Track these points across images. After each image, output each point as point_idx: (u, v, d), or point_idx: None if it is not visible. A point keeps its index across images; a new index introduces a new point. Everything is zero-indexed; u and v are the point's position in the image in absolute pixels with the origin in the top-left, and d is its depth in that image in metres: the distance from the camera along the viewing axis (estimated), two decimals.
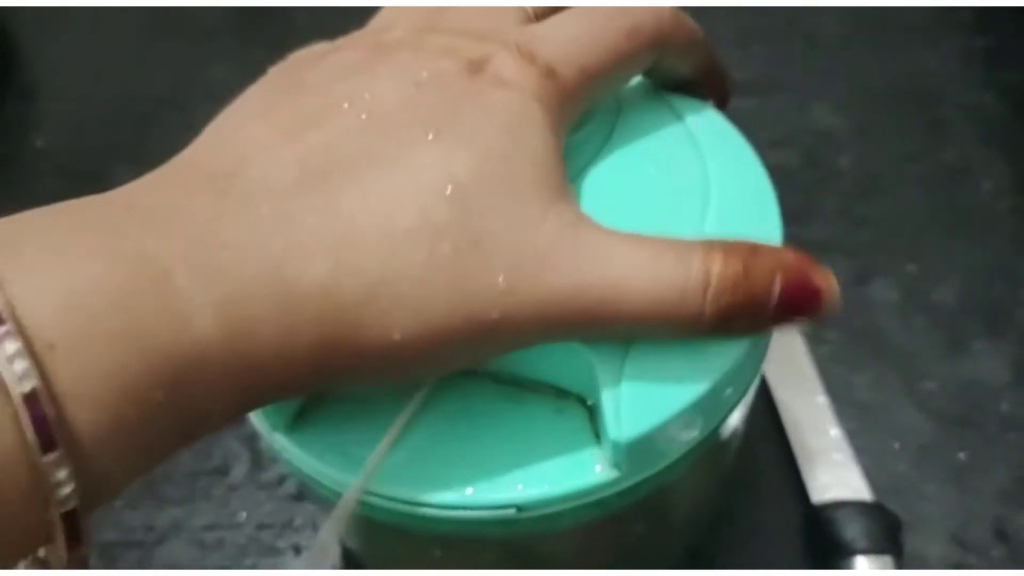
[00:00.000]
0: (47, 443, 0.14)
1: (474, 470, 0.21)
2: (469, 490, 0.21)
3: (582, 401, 0.22)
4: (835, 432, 0.33)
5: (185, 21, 0.54)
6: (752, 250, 0.20)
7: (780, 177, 0.42)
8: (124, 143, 0.48)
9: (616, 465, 0.21)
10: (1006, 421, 0.34)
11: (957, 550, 0.31)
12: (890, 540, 0.30)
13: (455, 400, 0.22)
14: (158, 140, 0.48)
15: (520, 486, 0.21)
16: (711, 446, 0.23)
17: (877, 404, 0.35)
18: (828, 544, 0.31)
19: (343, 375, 0.19)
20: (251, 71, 0.54)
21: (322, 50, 0.22)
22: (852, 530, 0.30)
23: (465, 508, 0.21)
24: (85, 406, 0.15)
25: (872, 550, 0.30)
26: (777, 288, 0.20)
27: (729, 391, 0.22)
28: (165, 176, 0.18)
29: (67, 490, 0.14)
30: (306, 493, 0.34)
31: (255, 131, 0.19)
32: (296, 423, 0.23)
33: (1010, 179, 0.40)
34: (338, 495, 0.22)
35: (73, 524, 0.15)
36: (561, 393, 0.22)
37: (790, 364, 0.35)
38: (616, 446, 0.20)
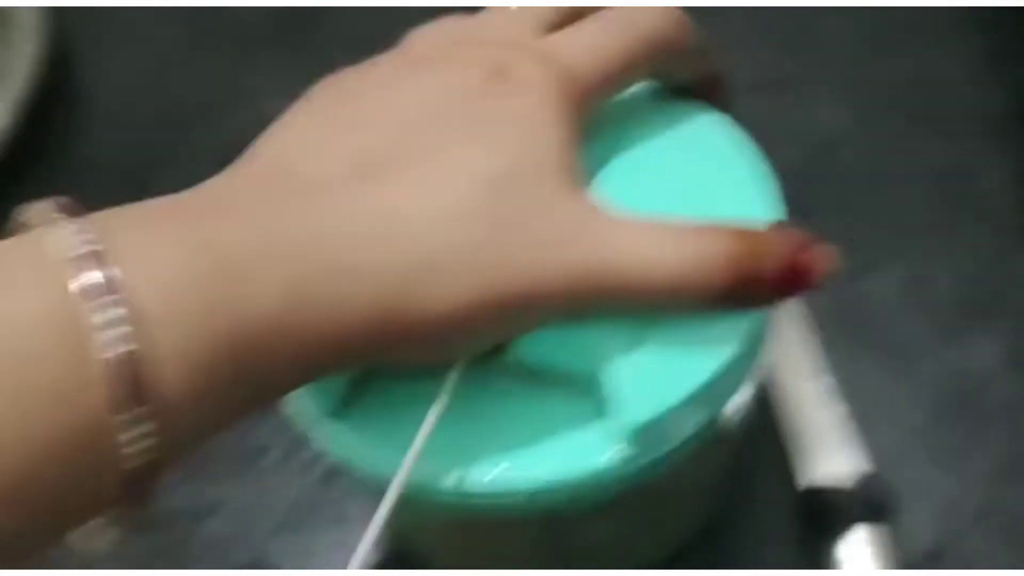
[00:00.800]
0: (136, 400, 0.16)
1: (493, 456, 0.23)
2: (488, 475, 0.23)
3: (596, 388, 0.24)
4: (835, 413, 0.35)
5: (224, 31, 0.57)
6: (756, 232, 0.23)
7: (786, 173, 0.44)
8: (167, 147, 0.51)
9: (625, 450, 0.23)
10: (996, 406, 0.36)
11: (945, 528, 0.33)
12: (882, 517, 0.32)
13: (476, 389, 0.24)
14: (198, 146, 0.51)
15: (536, 470, 0.23)
16: (719, 428, 0.25)
17: (871, 390, 0.37)
18: (823, 521, 0.33)
19: (393, 346, 0.21)
20: (286, 79, 0.57)
21: (361, 68, 0.25)
22: (847, 502, 0.32)
23: (482, 494, 0.23)
24: (168, 371, 0.17)
25: (865, 519, 0.32)
26: (782, 264, 0.22)
27: (735, 375, 0.24)
28: (229, 177, 0.21)
29: (148, 443, 0.17)
30: (346, 479, 0.36)
31: (307, 136, 0.22)
32: (337, 414, 0.25)
33: (1011, 175, 0.42)
34: (372, 478, 0.24)
35: (150, 479, 0.17)
36: (574, 383, 0.24)
37: (790, 352, 0.37)
38: (626, 429, 0.23)
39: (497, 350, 0.24)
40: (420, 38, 0.26)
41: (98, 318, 0.16)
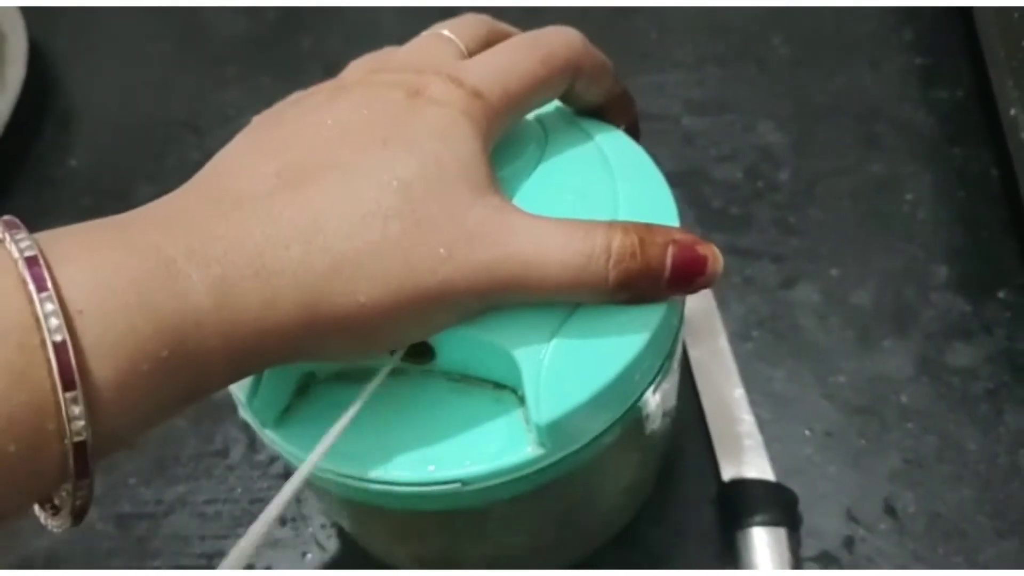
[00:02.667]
0: (68, 383, 0.18)
1: (425, 451, 0.26)
2: (427, 467, 0.26)
3: (515, 392, 0.27)
4: (748, 419, 0.38)
5: (203, 51, 0.60)
6: (647, 227, 0.25)
7: (723, 189, 0.47)
8: (147, 163, 0.54)
9: (541, 444, 0.25)
10: (904, 411, 0.38)
11: (850, 524, 0.36)
12: (785, 514, 0.35)
13: (411, 393, 0.26)
14: (176, 160, 0.54)
15: (465, 463, 0.26)
16: (630, 425, 0.28)
17: (791, 395, 0.39)
18: (734, 515, 0.35)
19: (319, 341, 0.23)
20: (259, 96, 0.61)
21: (297, 97, 0.28)
22: (753, 504, 0.35)
23: (418, 484, 0.26)
24: (104, 358, 0.19)
25: (768, 522, 0.34)
26: (669, 258, 0.25)
27: (637, 377, 0.26)
28: (172, 196, 0.24)
29: (81, 423, 0.19)
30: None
31: (239, 158, 0.25)
32: (281, 419, 0.27)
33: (930, 190, 0.44)
34: (319, 478, 0.27)
35: (83, 456, 0.19)
36: (499, 386, 0.27)
37: (714, 359, 0.40)
38: (539, 428, 0.25)
39: (425, 357, 0.26)
40: (353, 67, 0.29)
41: (38, 311, 0.18)
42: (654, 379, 0.27)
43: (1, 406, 0.18)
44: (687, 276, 0.25)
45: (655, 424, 0.31)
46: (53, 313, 0.18)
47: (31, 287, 0.18)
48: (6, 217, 0.20)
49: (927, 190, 0.44)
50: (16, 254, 0.19)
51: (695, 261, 0.25)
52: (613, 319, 0.26)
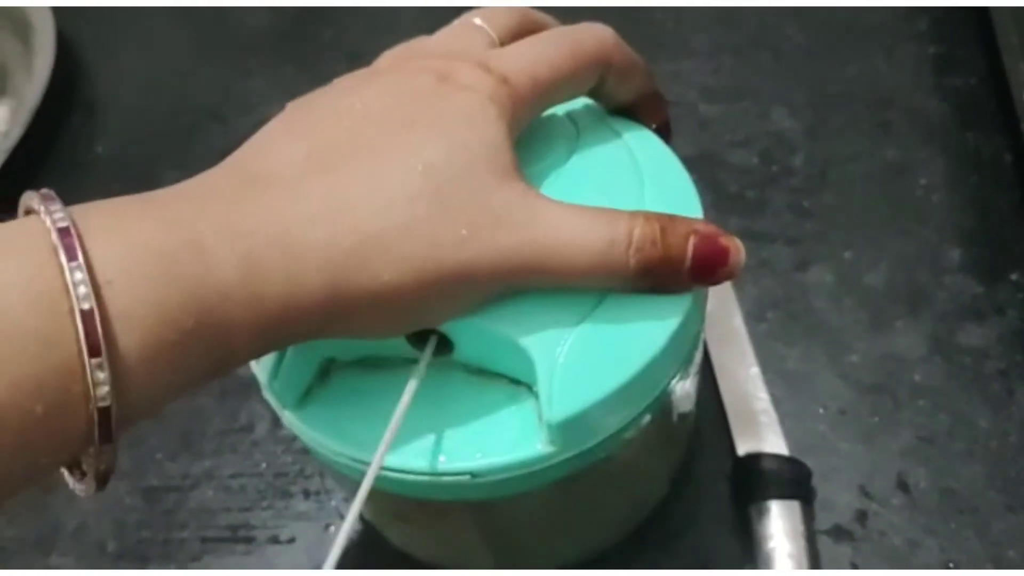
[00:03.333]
0: (94, 350, 0.19)
1: (439, 442, 0.26)
2: (440, 458, 0.26)
3: (530, 388, 0.27)
4: (763, 397, 0.39)
5: (229, 41, 0.61)
6: (669, 217, 0.26)
7: (738, 174, 0.48)
8: (172, 150, 0.55)
9: (552, 441, 0.26)
10: (917, 389, 0.39)
11: (863, 498, 0.36)
12: (798, 488, 0.35)
13: (428, 384, 0.26)
14: (201, 146, 0.55)
15: (476, 456, 0.26)
16: (645, 425, 0.28)
17: (805, 374, 0.40)
18: (748, 489, 0.36)
19: (346, 316, 0.23)
20: (282, 85, 0.62)
21: (328, 86, 0.28)
22: (767, 478, 0.36)
23: (429, 473, 0.26)
24: (131, 327, 0.20)
25: (782, 496, 0.35)
26: (691, 248, 0.25)
27: (655, 378, 0.26)
28: (204, 175, 0.24)
29: (105, 388, 0.19)
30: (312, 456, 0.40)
31: (273, 140, 0.25)
32: (302, 401, 0.28)
33: (943, 175, 0.45)
34: (334, 462, 0.27)
35: (107, 422, 0.20)
36: (515, 382, 0.27)
37: (729, 339, 0.40)
38: (550, 426, 0.25)
39: (443, 349, 0.27)
40: (385, 56, 0.30)
41: (67, 280, 0.19)
42: (672, 379, 0.28)
43: (30, 369, 0.19)
44: (709, 266, 0.25)
45: (671, 425, 0.31)
46: (82, 282, 0.19)
47: (62, 256, 0.19)
48: (43, 190, 0.21)
49: (940, 175, 0.45)
50: (49, 224, 0.20)
51: (717, 252, 0.25)
52: (633, 319, 0.26)
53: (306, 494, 0.40)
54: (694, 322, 0.27)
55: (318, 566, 0.38)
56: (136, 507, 0.41)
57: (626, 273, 0.25)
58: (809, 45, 0.51)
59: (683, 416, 0.32)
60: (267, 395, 0.29)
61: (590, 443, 0.26)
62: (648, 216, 0.25)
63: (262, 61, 0.59)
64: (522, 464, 0.26)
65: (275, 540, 0.39)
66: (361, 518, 0.38)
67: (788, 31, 0.52)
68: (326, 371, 0.29)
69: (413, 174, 0.24)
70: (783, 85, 0.50)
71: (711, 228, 0.26)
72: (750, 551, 0.35)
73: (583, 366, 0.25)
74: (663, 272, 0.25)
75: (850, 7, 0.52)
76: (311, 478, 0.41)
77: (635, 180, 0.29)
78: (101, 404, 0.20)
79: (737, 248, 0.26)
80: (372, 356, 0.28)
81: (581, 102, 0.31)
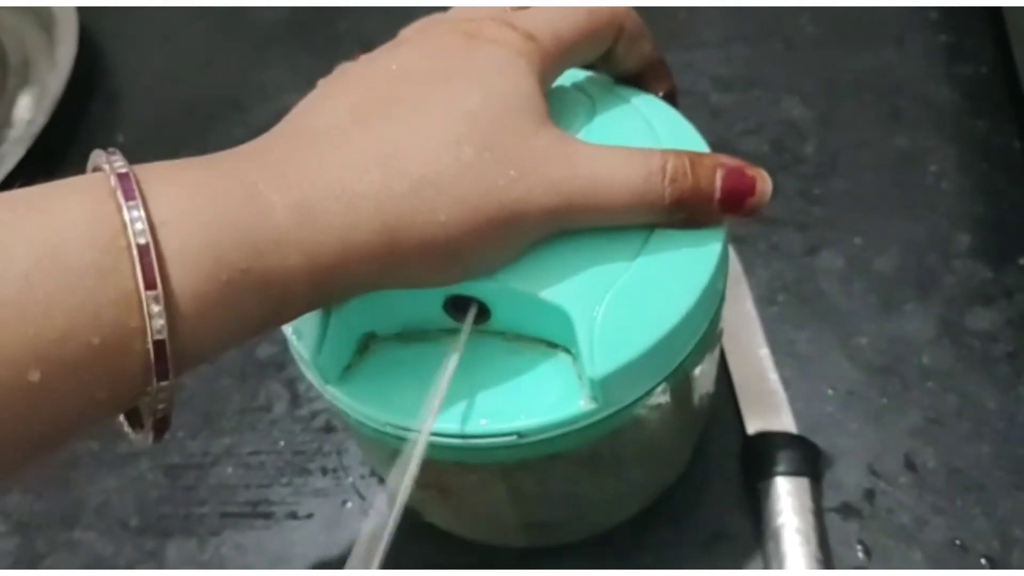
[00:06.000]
0: (149, 283, 0.20)
1: (480, 406, 0.27)
2: (480, 421, 0.27)
3: (567, 350, 0.28)
4: (773, 378, 0.39)
5: (246, 31, 0.62)
6: (697, 153, 0.27)
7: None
8: (191, 138, 0.56)
9: (594, 398, 0.27)
10: (925, 371, 0.39)
11: (871, 477, 0.37)
12: (807, 465, 0.36)
13: (466, 352, 0.27)
14: (220, 135, 0.56)
15: (520, 417, 0.27)
16: (678, 385, 0.29)
17: (814, 356, 0.40)
18: (758, 466, 0.36)
19: (403, 262, 0.24)
20: (300, 74, 0.63)
21: (360, 58, 0.29)
22: (776, 454, 0.36)
23: (478, 436, 0.27)
24: (185, 265, 0.21)
25: (790, 472, 0.36)
26: (719, 179, 0.27)
27: (686, 336, 0.28)
28: (254, 140, 0.25)
29: (161, 322, 0.20)
30: (351, 438, 0.40)
31: (315, 102, 0.26)
32: (344, 376, 0.29)
33: (953, 162, 0.45)
34: (381, 434, 0.28)
35: (163, 356, 0.21)
36: (551, 345, 0.28)
37: (741, 321, 0.41)
38: (592, 382, 0.26)
39: (481, 317, 0.27)
40: (408, 28, 0.31)
41: (125, 217, 0.20)
42: (701, 340, 0.29)
43: (87, 300, 0.20)
44: (737, 196, 0.27)
45: (700, 386, 0.32)
46: (138, 219, 0.20)
47: (120, 197, 0.20)
48: (110, 148, 0.22)
49: (951, 162, 0.45)
50: (109, 170, 0.21)
51: (743, 181, 0.27)
52: (663, 282, 0.27)
53: (323, 471, 0.41)
54: (719, 280, 0.29)
55: (335, 541, 0.39)
56: (158, 483, 0.42)
57: (662, 204, 0.26)
58: (821, 34, 0.52)
59: (708, 376, 0.33)
60: (308, 372, 0.29)
61: (629, 399, 0.27)
62: (678, 152, 0.27)
63: (280, 51, 0.60)
64: (566, 422, 0.27)
65: (293, 516, 0.40)
66: (382, 483, 0.39)
67: (800, 20, 0.53)
68: (366, 346, 0.29)
69: (456, 121, 0.25)
70: (794, 74, 0.50)
71: (737, 160, 0.28)
72: (759, 528, 0.35)
73: (620, 325, 0.26)
74: (695, 202, 0.27)
75: None
76: (329, 456, 0.41)
77: (654, 144, 0.30)
78: (157, 337, 0.20)
79: (763, 178, 0.28)
80: (410, 328, 0.29)
81: (590, 75, 0.32)
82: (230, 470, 0.42)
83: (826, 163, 0.46)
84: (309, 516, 0.40)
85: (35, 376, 0.19)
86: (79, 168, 0.23)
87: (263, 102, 0.57)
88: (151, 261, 0.20)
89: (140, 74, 0.61)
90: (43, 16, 0.61)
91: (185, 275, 0.21)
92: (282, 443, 0.42)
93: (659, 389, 0.28)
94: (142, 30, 0.64)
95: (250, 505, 0.40)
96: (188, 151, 0.54)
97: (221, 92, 0.58)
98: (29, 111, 0.58)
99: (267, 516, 0.40)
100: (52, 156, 0.55)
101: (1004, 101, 0.47)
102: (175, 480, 0.42)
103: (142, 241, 0.20)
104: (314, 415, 0.43)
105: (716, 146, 0.47)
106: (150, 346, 0.20)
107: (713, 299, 0.29)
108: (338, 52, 0.60)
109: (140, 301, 0.20)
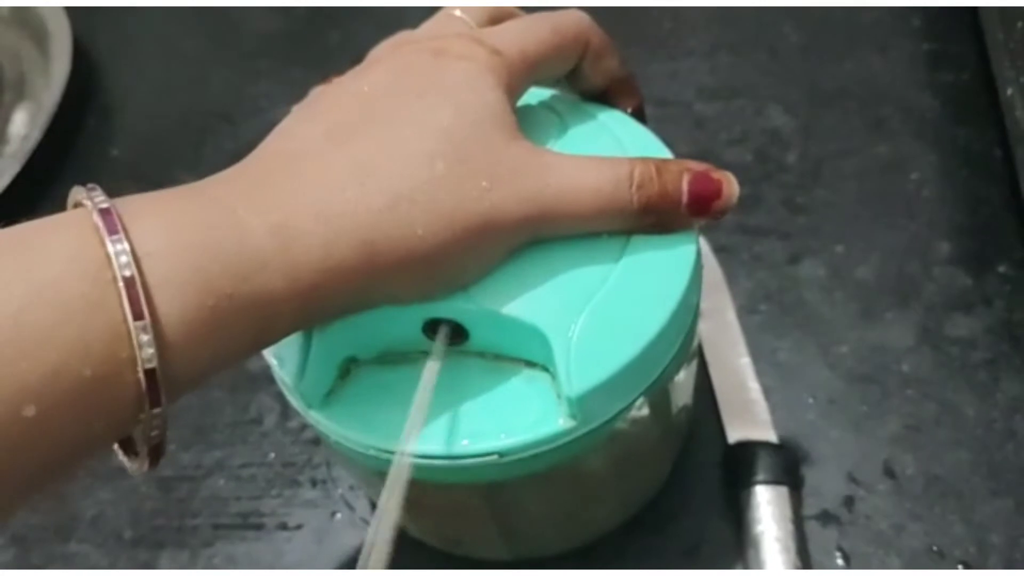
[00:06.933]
0: (137, 314, 0.20)
1: (460, 426, 0.28)
2: (462, 442, 0.27)
3: (546, 369, 0.28)
4: (754, 386, 0.40)
5: (235, 44, 0.63)
6: (663, 159, 0.28)
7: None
8: (184, 151, 0.57)
9: (573, 416, 0.27)
10: (905, 379, 0.40)
11: (850, 484, 0.37)
12: (787, 474, 0.36)
13: (445, 373, 0.28)
14: (212, 149, 0.57)
15: (501, 436, 0.27)
16: (655, 399, 0.29)
17: (796, 365, 0.41)
18: (738, 475, 0.37)
19: (384, 277, 0.25)
20: (291, 88, 0.63)
21: (331, 82, 0.30)
22: (756, 464, 0.37)
23: (453, 457, 0.27)
24: (171, 293, 0.21)
25: (770, 481, 0.36)
26: (685, 183, 0.28)
27: (662, 351, 0.28)
28: (231, 168, 0.26)
29: (151, 351, 0.21)
30: (335, 458, 0.41)
31: (290, 128, 0.27)
32: (326, 401, 0.29)
33: (935, 170, 0.46)
34: (365, 456, 0.28)
35: (154, 384, 0.21)
36: (530, 364, 0.29)
37: (722, 331, 0.41)
38: (570, 401, 0.26)
39: (458, 338, 0.28)
40: (375, 50, 0.31)
41: (109, 251, 0.21)
42: (678, 352, 0.29)
43: (79, 334, 0.20)
44: (704, 199, 0.28)
45: (678, 398, 0.33)
46: (123, 252, 0.21)
47: (103, 232, 0.21)
48: (88, 184, 0.23)
49: (931, 170, 0.46)
50: (91, 206, 0.21)
51: (709, 184, 0.28)
52: (637, 297, 0.27)
53: (313, 483, 0.42)
54: (693, 294, 0.29)
55: (325, 552, 0.40)
56: (151, 496, 0.43)
57: (631, 209, 0.27)
58: (805, 43, 0.52)
59: (681, 401, 0.34)
60: (291, 397, 0.30)
61: (607, 415, 0.28)
62: (644, 159, 0.28)
63: (271, 64, 0.60)
64: (545, 440, 0.27)
65: (284, 527, 0.40)
66: (372, 505, 0.40)
67: (784, 29, 0.53)
68: (347, 370, 0.30)
69: (428, 136, 0.25)
70: (779, 83, 0.51)
71: (702, 165, 0.28)
72: (740, 535, 0.36)
73: (596, 342, 0.27)
74: (663, 207, 0.28)
75: (846, 6, 0.53)
76: (318, 467, 0.42)
77: (610, 145, 0.30)
78: (147, 366, 0.21)
79: (729, 181, 0.29)
80: (391, 352, 0.29)
81: (556, 93, 0.33)
82: (222, 482, 0.42)
83: (809, 172, 0.47)
84: (299, 527, 0.40)
85: (30, 411, 0.20)
86: (74, 183, 0.23)
87: (255, 115, 0.58)
88: (137, 292, 0.20)
89: (134, 88, 0.62)
90: (38, 31, 0.62)
91: (172, 304, 0.21)
92: (272, 455, 0.43)
93: (637, 403, 0.29)
94: (136, 45, 0.65)
95: (241, 517, 0.41)
96: (181, 164, 0.56)
97: (214, 106, 0.59)
98: (24, 126, 0.59)
99: (258, 527, 0.41)
100: (49, 170, 0.56)
101: (985, 108, 0.47)
102: (168, 492, 0.42)
103: (127, 273, 0.21)
104: (303, 427, 0.43)
105: (700, 156, 0.48)
106: (141, 375, 0.21)
107: (688, 312, 0.29)
108: (330, 65, 0.61)
109: (129, 332, 0.20)
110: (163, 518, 0.42)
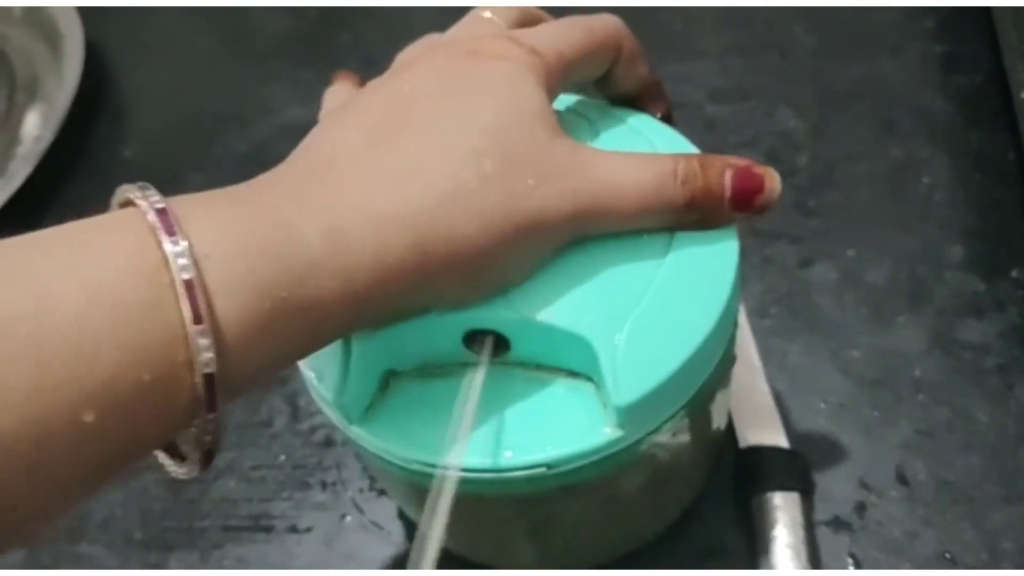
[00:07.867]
0: (196, 318, 0.20)
1: (503, 439, 0.27)
2: (505, 454, 0.27)
3: (589, 378, 0.28)
4: (765, 391, 0.39)
5: (246, 46, 0.63)
6: (706, 155, 0.28)
7: None
8: (195, 152, 0.57)
9: (620, 426, 0.27)
10: (917, 384, 0.39)
11: (861, 490, 0.37)
12: (797, 480, 0.36)
13: (488, 385, 0.27)
14: (223, 150, 0.57)
15: (547, 448, 0.27)
16: (698, 408, 0.29)
17: (806, 369, 0.41)
18: (750, 480, 0.37)
19: (433, 279, 0.24)
20: (301, 89, 0.63)
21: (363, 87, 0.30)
22: (768, 470, 0.37)
23: (507, 469, 0.27)
24: (229, 297, 0.21)
25: (780, 487, 0.36)
26: (728, 179, 0.28)
27: (705, 359, 0.28)
28: (270, 172, 0.26)
29: (209, 355, 0.20)
30: (375, 473, 0.40)
31: (326, 131, 0.27)
32: (366, 416, 0.28)
33: (947, 173, 0.45)
34: (407, 472, 0.28)
35: (211, 388, 0.21)
36: (572, 374, 0.28)
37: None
38: (618, 410, 0.26)
39: (500, 349, 0.28)
40: (404, 53, 0.31)
41: (167, 253, 0.20)
42: (720, 361, 0.29)
43: (137, 338, 0.20)
44: (747, 194, 0.28)
45: (718, 407, 0.33)
46: (181, 254, 0.20)
47: (161, 233, 0.20)
48: (139, 183, 0.22)
49: (944, 173, 0.45)
50: (147, 207, 0.21)
51: (752, 179, 0.28)
52: (683, 301, 0.27)
53: (323, 485, 0.42)
54: (735, 301, 0.29)
55: (335, 555, 0.40)
56: (161, 497, 0.43)
57: (676, 205, 0.27)
58: (816, 45, 0.52)
59: (720, 412, 0.34)
60: (331, 412, 0.29)
61: (653, 425, 0.28)
62: (687, 155, 0.28)
63: (282, 66, 0.60)
64: (592, 451, 0.27)
65: (293, 529, 0.41)
66: (401, 515, 0.40)
67: (796, 31, 0.53)
68: (387, 383, 0.29)
69: (472, 135, 0.25)
70: (790, 85, 0.51)
71: (745, 160, 0.28)
72: (752, 541, 0.36)
73: (643, 350, 0.26)
74: (707, 202, 0.28)
75: (858, 7, 0.53)
76: (328, 470, 0.42)
77: (645, 147, 0.30)
78: (206, 371, 0.20)
79: (771, 175, 0.29)
80: (430, 364, 0.29)
81: (584, 99, 0.33)
82: (232, 484, 0.42)
83: (820, 175, 0.47)
84: (308, 530, 0.40)
85: (89, 417, 0.19)
86: (86, 183, 0.23)
87: (266, 116, 0.58)
88: (196, 296, 0.20)
89: (145, 90, 0.62)
90: (50, 32, 0.62)
91: (230, 307, 0.21)
92: (283, 457, 0.43)
93: (682, 413, 0.28)
94: (148, 46, 0.65)
95: (251, 519, 0.41)
96: (192, 165, 0.56)
97: (223, 107, 0.59)
98: (37, 127, 0.59)
99: (268, 530, 0.41)
100: (61, 171, 0.56)
101: (998, 111, 0.47)
102: (178, 494, 0.42)
103: (187, 276, 0.20)
104: (314, 429, 0.43)
105: None
106: (199, 380, 0.20)
107: (731, 316, 0.29)
108: (340, 66, 0.61)
109: (186, 335, 0.20)
110: (173, 520, 0.42)
